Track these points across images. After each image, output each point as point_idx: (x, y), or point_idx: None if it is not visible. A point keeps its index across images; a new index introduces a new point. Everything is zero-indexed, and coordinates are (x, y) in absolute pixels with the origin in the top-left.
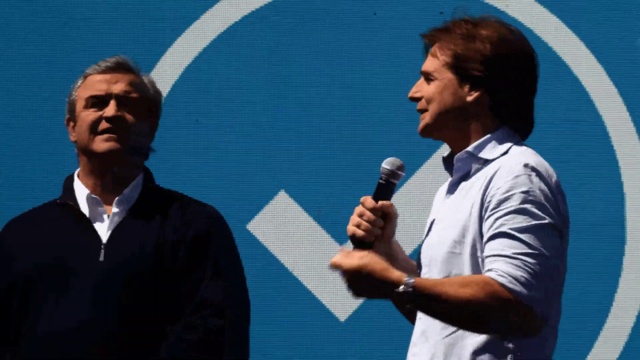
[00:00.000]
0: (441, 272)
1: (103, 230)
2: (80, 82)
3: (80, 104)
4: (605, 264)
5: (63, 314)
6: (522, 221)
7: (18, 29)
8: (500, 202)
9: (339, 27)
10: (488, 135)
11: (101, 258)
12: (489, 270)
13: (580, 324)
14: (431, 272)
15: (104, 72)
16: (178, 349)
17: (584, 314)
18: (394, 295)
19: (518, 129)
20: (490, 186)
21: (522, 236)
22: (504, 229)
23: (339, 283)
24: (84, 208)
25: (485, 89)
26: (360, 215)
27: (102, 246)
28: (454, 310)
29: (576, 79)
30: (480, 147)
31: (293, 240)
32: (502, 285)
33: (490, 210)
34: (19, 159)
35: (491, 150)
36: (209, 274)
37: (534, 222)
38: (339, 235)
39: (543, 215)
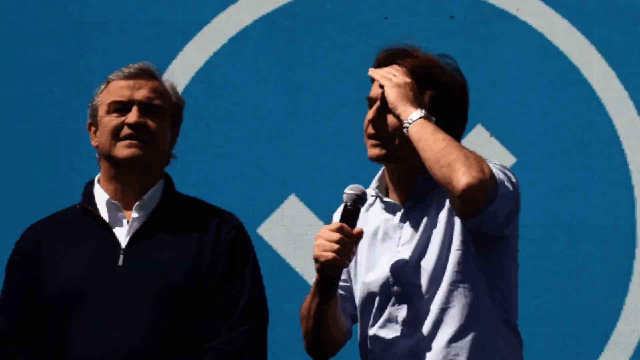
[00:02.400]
0: (433, 292)
1: (122, 235)
2: (103, 87)
3: (102, 109)
4: (616, 268)
5: (91, 329)
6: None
7: (29, 33)
8: None
9: (349, 31)
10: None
11: (120, 263)
12: None
13: (590, 327)
14: (427, 293)
15: (127, 78)
16: None
17: (594, 317)
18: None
19: None
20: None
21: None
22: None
23: None
24: (104, 213)
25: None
26: (334, 240)
27: (121, 251)
28: (442, 150)
29: (587, 83)
30: (424, 179)
31: (303, 244)
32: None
33: None
34: (30, 163)
35: (428, 182)
36: (246, 288)
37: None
38: None
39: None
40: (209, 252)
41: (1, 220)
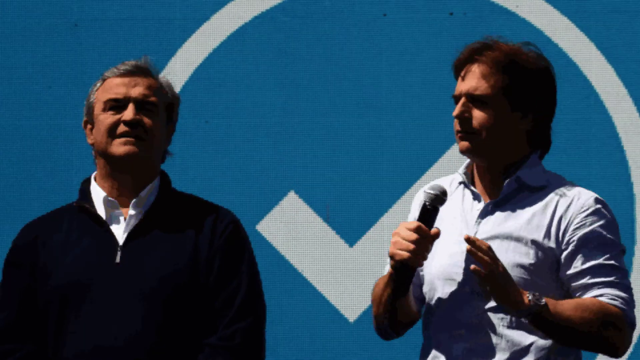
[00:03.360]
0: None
1: (119, 232)
2: (99, 84)
3: (98, 107)
4: None
5: (88, 327)
6: (611, 250)
7: (28, 29)
8: (587, 235)
9: (348, 28)
10: (527, 162)
11: (117, 260)
12: (599, 295)
13: None
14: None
15: (122, 75)
16: None
17: None
18: (520, 306)
19: (542, 154)
20: (568, 218)
21: (616, 263)
22: (601, 259)
23: (348, 284)
24: (101, 210)
25: (533, 116)
26: (411, 240)
27: (119, 248)
28: (575, 333)
29: (586, 80)
30: (525, 174)
31: (302, 241)
32: (615, 307)
33: (578, 242)
34: (28, 159)
35: (533, 178)
36: (242, 284)
37: (618, 250)
38: (348, 236)
39: (619, 242)
40: (205, 248)
41: (0, 217)
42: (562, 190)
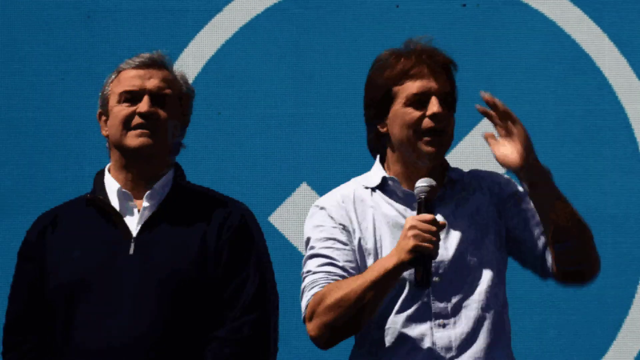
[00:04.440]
0: (471, 282)
1: (133, 224)
2: (113, 76)
3: (113, 99)
4: (628, 256)
5: (97, 318)
6: None
7: (41, 21)
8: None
9: (360, 19)
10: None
11: (131, 252)
12: None
13: (602, 315)
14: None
15: (137, 67)
16: (222, 354)
17: (606, 305)
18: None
19: None
20: (496, 191)
21: None
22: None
23: None
24: (115, 202)
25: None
26: (430, 232)
27: (132, 240)
28: (572, 213)
29: (599, 71)
30: (450, 170)
31: None
32: None
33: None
34: (41, 151)
35: (453, 173)
36: (251, 276)
37: None
38: None
39: None
40: (213, 241)
41: (13, 209)
42: (476, 175)
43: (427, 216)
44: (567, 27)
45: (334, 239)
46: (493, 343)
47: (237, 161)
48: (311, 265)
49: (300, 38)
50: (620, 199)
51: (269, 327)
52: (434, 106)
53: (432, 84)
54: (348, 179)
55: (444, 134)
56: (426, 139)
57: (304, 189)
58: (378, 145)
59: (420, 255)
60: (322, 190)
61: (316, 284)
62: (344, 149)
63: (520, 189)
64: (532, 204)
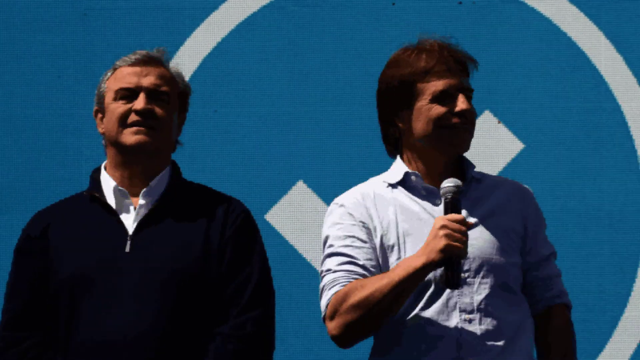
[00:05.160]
0: (496, 278)
1: (129, 221)
2: (110, 73)
3: (109, 96)
4: (624, 253)
5: (98, 316)
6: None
7: (38, 18)
8: (539, 226)
9: (357, 17)
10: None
11: (127, 249)
12: (559, 293)
13: (599, 313)
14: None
15: (134, 64)
16: (226, 350)
17: (602, 303)
18: None
19: None
20: (525, 209)
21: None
22: (552, 250)
23: None
24: (111, 200)
25: None
26: (461, 232)
27: (129, 237)
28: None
29: (595, 69)
30: (471, 167)
31: (311, 231)
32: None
33: (534, 232)
34: (38, 149)
35: (475, 172)
36: (254, 274)
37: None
38: None
39: None
40: (217, 238)
41: (10, 206)
42: (508, 182)
43: (458, 216)
44: (563, 25)
45: (354, 237)
46: (515, 341)
47: (233, 159)
48: (330, 263)
49: (297, 36)
50: (617, 197)
51: (271, 323)
52: (462, 103)
53: (457, 81)
54: (345, 177)
55: (471, 129)
56: (452, 133)
57: (300, 187)
58: (394, 141)
59: (450, 256)
60: (318, 188)
61: (337, 282)
62: (341, 146)
63: (541, 216)
64: (544, 236)
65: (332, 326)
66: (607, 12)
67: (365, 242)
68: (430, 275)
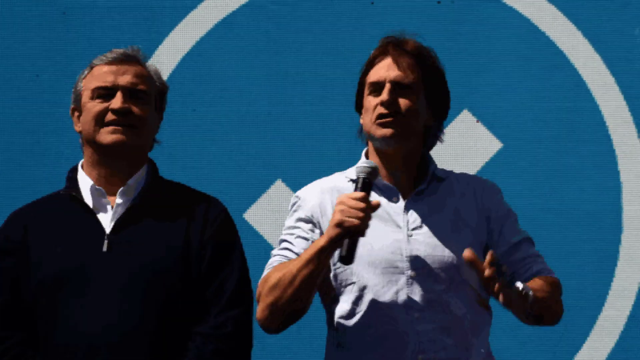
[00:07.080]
0: (448, 276)
1: (107, 221)
2: (86, 72)
3: (86, 95)
4: (602, 253)
5: (77, 316)
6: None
7: (17, 17)
8: (505, 218)
9: (336, 16)
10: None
11: (104, 249)
12: (540, 270)
13: (577, 312)
14: (432, 275)
15: (110, 63)
16: (206, 350)
17: (580, 302)
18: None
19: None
20: (484, 202)
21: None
22: (523, 236)
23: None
24: (88, 199)
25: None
26: (358, 208)
27: (106, 237)
28: (557, 311)
29: (574, 69)
30: (433, 165)
31: None
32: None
33: (500, 224)
34: (17, 148)
35: (439, 171)
36: (234, 273)
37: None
38: None
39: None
40: (197, 237)
41: None
42: (465, 179)
43: (357, 194)
44: (542, 25)
45: (298, 228)
46: (469, 338)
47: (212, 158)
48: (275, 249)
49: (276, 34)
50: (596, 196)
51: (250, 323)
52: (383, 93)
53: (388, 72)
54: (323, 176)
55: (398, 116)
56: (379, 121)
57: (278, 185)
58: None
59: (347, 231)
60: (296, 187)
61: (270, 266)
62: (319, 145)
63: (506, 208)
64: (513, 226)
65: (257, 310)
66: (585, 12)
67: (306, 233)
68: (391, 269)
